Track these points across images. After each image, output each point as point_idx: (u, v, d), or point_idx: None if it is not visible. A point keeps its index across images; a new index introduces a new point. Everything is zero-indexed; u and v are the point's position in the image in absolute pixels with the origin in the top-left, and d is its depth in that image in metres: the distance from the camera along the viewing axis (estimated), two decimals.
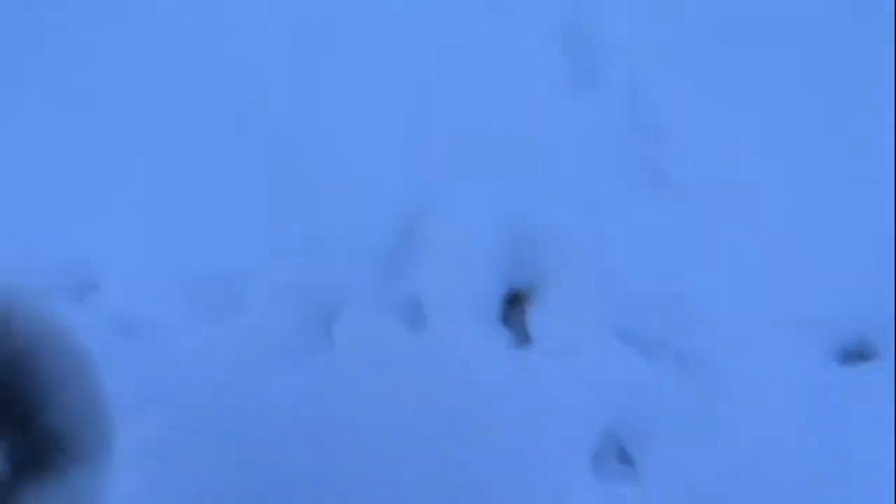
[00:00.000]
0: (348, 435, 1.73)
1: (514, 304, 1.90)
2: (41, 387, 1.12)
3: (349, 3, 2.17)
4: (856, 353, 1.81)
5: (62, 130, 2.07)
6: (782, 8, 2.12)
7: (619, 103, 2.07)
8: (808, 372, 1.79)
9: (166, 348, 1.83)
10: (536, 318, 1.87)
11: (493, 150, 2.02)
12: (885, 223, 1.89)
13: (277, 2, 2.18)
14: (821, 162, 1.96)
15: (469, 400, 1.77)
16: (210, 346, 1.82)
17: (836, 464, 1.70)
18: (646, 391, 1.78)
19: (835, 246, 1.88)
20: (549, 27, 2.13)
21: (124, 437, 1.73)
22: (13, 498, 1.08)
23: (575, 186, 1.99)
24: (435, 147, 2.02)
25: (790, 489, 1.70)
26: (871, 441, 1.72)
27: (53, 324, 1.16)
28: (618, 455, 1.75)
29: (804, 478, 1.70)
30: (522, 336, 1.86)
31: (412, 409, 1.76)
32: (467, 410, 1.76)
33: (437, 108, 2.07)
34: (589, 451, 1.74)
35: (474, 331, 1.84)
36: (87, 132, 2.07)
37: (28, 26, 2.18)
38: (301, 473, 1.70)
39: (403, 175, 2.00)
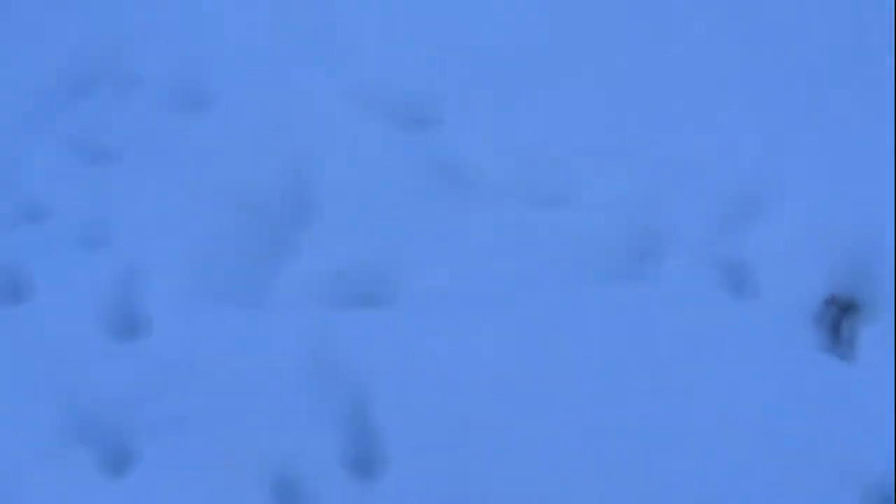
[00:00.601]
0: (633, 376, 1.65)
1: (834, 308, 1.75)
2: None
3: None
4: None
5: None
6: None
7: None
8: None
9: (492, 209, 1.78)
10: (855, 332, 1.72)
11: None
12: None
13: None
14: None
15: (760, 387, 1.64)
16: (528, 230, 1.77)
17: None
18: None
19: None
20: None
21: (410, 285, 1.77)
22: None
23: None
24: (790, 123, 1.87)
25: None
26: None
27: None
28: None
29: None
30: (834, 343, 1.72)
31: (701, 372, 1.66)
32: (752, 399, 1.64)
33: None
34: (860, 494, 1.61)
35: (789, 319, 1.71)
36: None
37: None
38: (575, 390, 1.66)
39: (760, 147, 1.87)
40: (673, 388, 1.64)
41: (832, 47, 1.98)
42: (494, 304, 1.72)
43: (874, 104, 1.89)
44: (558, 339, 1.68)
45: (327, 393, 1.68)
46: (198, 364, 1.73)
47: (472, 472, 1.59)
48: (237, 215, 1.84)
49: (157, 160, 1.95)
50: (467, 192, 1.82)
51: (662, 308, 1.70)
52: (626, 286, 1.72)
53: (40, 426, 1.71)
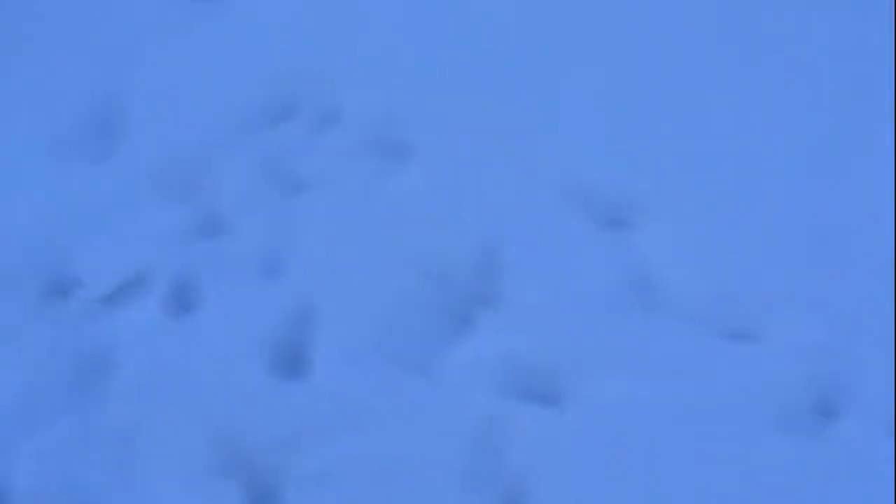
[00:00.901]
0: None
1: None
2: None
3: None
4: None
5: None
6: None
7: None
8: None
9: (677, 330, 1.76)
10: None
11: None
12: None
13: None
14: None
15: None
16: (710, 359, 1.74)
17: None
18: None
19: None
20: None
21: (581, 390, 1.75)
22: None
23: None
24: None
25: None
26: None
27: None
28: None
29: None
30: None
31: None
32: None
33: None
34: None
35: None
36: None
37: None
38: None
39: None
40: None
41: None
42: (662, 429, 1.69)
43: None
44: (723, 481, 1.65)
45: (483, 480, 1.67)
46: (356, 421, 1.73)
47: None
48: (419, 279, 1.83)
49: (347, 202, 1.94)
50: (655, 306, 1.79)
51: (833, 470, 1.66)
52: (799, 439, 1.68)
53: (191, 451, 1.72)
